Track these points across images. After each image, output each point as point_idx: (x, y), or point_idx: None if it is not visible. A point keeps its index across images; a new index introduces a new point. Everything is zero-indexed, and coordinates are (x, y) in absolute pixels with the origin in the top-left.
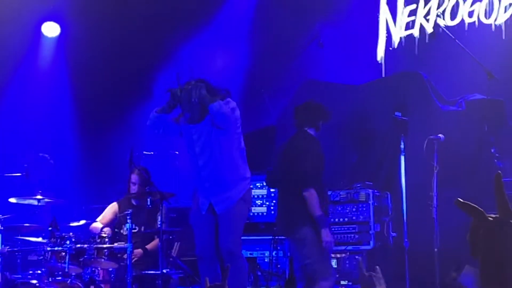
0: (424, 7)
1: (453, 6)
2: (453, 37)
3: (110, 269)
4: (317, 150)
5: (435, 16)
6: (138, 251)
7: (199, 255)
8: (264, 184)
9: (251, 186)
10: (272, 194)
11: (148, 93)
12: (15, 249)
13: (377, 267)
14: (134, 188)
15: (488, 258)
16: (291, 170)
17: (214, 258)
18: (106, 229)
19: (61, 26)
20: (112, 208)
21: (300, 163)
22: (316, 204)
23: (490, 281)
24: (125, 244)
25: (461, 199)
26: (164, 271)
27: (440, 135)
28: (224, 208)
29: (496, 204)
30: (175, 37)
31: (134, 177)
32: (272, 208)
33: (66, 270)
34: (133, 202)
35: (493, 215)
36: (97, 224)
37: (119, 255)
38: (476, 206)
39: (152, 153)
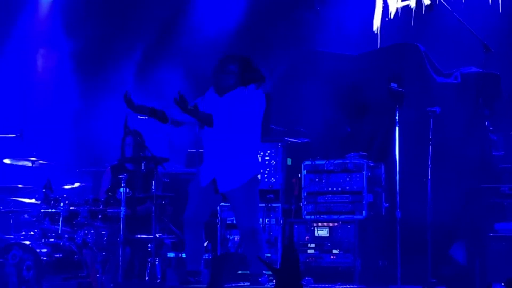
0: None
1: None
2: (450, 9)
3: (103, 232)
4: None
5: None
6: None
7: (185, 223)
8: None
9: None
10: (266, 162)
11: (147, 54)
12: (9, 209)
13: None
14: (128, 153)
15: None
16: None
17: (200, 227)
18: None
19: None
20: (107, 176)
21: None
22: None
23: None
24: (119, 208)
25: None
26: (157, 235)
27: (436, 107)
28: (228, 189)
29: None
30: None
31: (128, 140)
32: (265, 175)
33: (59, 232)
34: (128, 166)
35: None
36: None
37: (112, 219)
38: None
39: (146, 117)
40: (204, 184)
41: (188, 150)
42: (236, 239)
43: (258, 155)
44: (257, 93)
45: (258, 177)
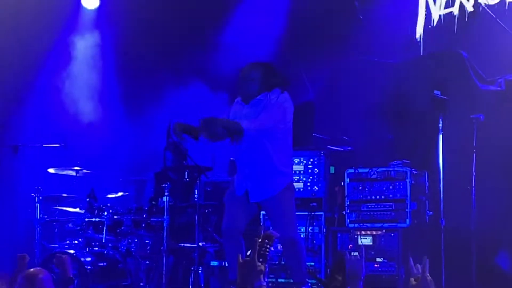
0: None
1: None
2: (494, 16)
3: (147, 241)
4: None
5: None
6: None
7: (224, 233)
8: (301, 160)
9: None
10: (309, 171)
11: (188, 65)
12: (53, 219)
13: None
14: (169, 162)
15: None
16: None
17: (239, 237)
18: None
19: None
20: (151, 184)
21: None
22: None
23: None
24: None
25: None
26: (200, 244)
27: (480, 114)
28: (259, 199)
29: None
30: (213, 11)
31: (168, 155)
32: (308, 184)
33: (103, 241)
34: (170, 175)
35: None
36: None
37: (156, 228)
38: None
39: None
40: (239, 193)
41: (231, 158)
42: (279, 247)
43: (292, 162)
44: (283, 96)
45: (292, 186)
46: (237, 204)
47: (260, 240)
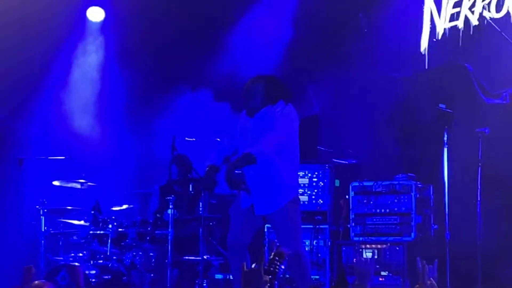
0: None
1: None
2: (498, 29)
3: (151, 254)
4: None
5: (480, 8)
6: None
7: (229, 245)
8: (306, 173)
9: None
10: (314, 184)
11: (193, 78)
12: (58, 231)
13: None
14: (174, 175)
15: None
16: None
17: (244, 249)
18: None
19: (105, 11)
20: (156, 197)
21: None
22: None
23: None
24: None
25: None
26: (205, 257)
27: (485, 128)
28: (264, 212)
29: None
30: (218, 24)
31: (173, 168)
32: (313, 197)
33: (108, 253)
34: (175, 188)
35: None
36: None
37: (160, 241)
38: None
39: (194, 139)
40: (244, 206)
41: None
42: None
43: (298, 175)
44: (288, 108)
45: (298, 198)
46: (242, 217)
47: (271, 257)
